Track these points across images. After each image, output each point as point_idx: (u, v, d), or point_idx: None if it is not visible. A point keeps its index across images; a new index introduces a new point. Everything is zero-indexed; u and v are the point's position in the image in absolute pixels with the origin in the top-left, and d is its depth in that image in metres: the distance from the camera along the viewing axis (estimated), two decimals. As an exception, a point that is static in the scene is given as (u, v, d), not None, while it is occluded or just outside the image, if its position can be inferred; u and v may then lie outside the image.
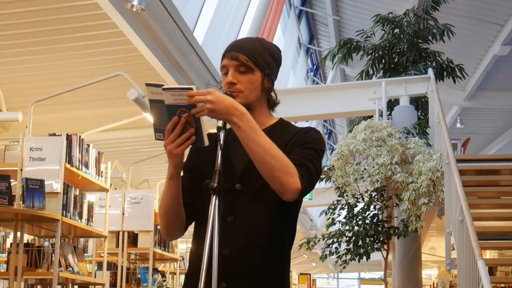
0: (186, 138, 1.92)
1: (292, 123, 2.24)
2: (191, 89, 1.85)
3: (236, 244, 2.01)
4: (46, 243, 5.75)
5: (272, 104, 2.17)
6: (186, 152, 2.05)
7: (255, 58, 2.08)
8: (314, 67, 22.27)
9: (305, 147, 2.06)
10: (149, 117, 6.92)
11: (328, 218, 8.13)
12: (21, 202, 5.18)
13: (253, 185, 2.04)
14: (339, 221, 7.98)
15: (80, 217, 5.86)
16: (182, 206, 2.07)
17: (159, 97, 1.89)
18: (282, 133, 2.13)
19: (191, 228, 2.19)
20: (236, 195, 2.04)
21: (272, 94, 2.16)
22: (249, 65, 2.08)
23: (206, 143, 1.92)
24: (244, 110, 1.90)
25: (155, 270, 8.25)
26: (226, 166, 1.93)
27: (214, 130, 2.04)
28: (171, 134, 1.92)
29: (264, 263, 2.03)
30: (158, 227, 8.16)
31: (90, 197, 6.44)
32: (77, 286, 6.65)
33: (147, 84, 1.90)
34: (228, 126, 1.96)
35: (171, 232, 2.14)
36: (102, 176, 6.31)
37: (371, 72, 10.87)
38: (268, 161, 1.90)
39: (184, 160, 2.05)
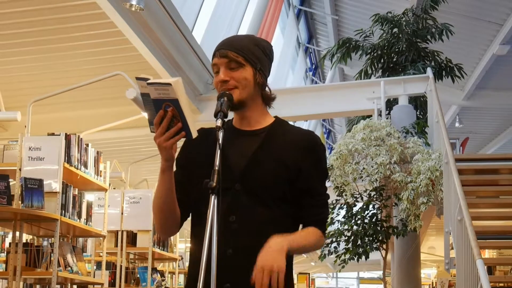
0: (174, 132, 1.93)
1: (291, 122, 2.24)
2: (170, 84, 1.86)
3: (240, 244, 2.00)
4: (45, 243, 5.74)
5: (266, 99, 2.16)
6: (179, 146, 2.06)
7: (245, 53, 2.08)
8: (313, 67, 22.28)
9: (320, 177, 2.15)
10: (148, 117, 6.90)
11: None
12: (20, 202, 5.18)
13: (253, 185, 2.04)
14: (338, 221, 7.98)
15: (79, 216, 5.86)
16: (176, 202, 2.07)
17: (147, 90, 1.91)
18: (282, 133, 2.14)
19: (190, 228, 2.18)
20: (236, 194, 2.03)
21: (267, 89, 2.15)
22: (239, 60, 2.07)
23: (194, 135, 1.94)
24: (284, 245, 1.95)
25: (154, 270, 8.25)
26: (224, 165, 1.92)
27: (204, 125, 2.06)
28: (159, 127, 1.93)
29: None
30: (154, 220, 8.14)
31: (89, 196, 6.44)
32: (76, 285, 6.65)
33: (137, 78, 1.93)
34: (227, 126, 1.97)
35: (166, 229, 2.14)
36: (101, 176, 6.30)
37: (370, 71, 10.88)
38: (311, 250, 2.13)
39: (176, 154, 2.05)
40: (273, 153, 2.09)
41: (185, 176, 2.12)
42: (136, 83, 1.94)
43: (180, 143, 2.05)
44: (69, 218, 5.59)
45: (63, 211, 5.49)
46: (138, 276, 8.10)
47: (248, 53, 2.08)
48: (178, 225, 2.14)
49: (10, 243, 5.69)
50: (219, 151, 1.89)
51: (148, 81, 1.89)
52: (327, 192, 2.19)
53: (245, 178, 2.05)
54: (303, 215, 2.12)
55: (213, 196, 1.82)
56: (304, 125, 20.29)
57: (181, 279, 11.84)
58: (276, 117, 2.20)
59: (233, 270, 1.97)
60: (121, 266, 7.56)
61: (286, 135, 2.13)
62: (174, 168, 2.09)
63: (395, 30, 10.73)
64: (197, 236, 2.08)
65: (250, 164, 2.06)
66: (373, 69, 10.87)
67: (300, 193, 2.09)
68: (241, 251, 2.00)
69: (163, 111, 1.91)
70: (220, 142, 1.90)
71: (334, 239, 7.82)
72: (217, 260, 1.80)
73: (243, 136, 2.13)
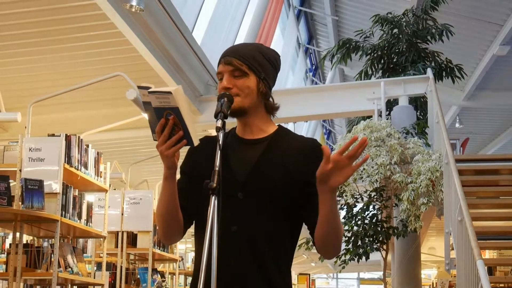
0: (176, 140, 1.94)
1: (291, 123, 2.24)
2: (170, 93, 1.87)
3: (241, 254, 2.00)
4: (45, 244, 5.74)
5: (270, 108, 2.15)
6: (183, 154, 2.06)
7: (249, 62, 2.08)
8: (313, 67, 22.29)
9: None
10: (148, 118, 6.90)
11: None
12: (20, 203, 5.17)
13: (256, 194, 2.04)
14: (338, 221, 7.96)
15: (79, 217, 5.86)
16: (179, 209, 2.07)
17: (148, 99, 1.93)
18: (285, 141, 2.13)
19: (190, 229, 2.18)
20: (239, 204, 2.03)
21: (270, 99, 2.15)
22: (243, 69, 2.07)
23: (196, 142, 1.95)
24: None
25: (154, 271, 8.25)
26: (227, 173, 1.92)
27: (205, 133, 2.06)
28: (161, 135, 1.94)
29: (270, 273, 2.02)
30: (157, 227, 8.14)
31: (89, 197, 6.44)
32: (76, 286, 6.64)
33: (139, 87, 1.95)
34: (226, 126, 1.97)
35: (169, 236, 2.14)
36: (101, 177, 6.30)
37: (370, 72, 10.87)
38: (337, 238, 2.02)
39: (180, 162, 2.05)
40: (276, 161, 2.08)
41: (189, 183, 2.11)
42: (138, 91, 1.95)
43: (183, 150, 2.05)
44: (70, 219, 5.59)
45: (64, 212, 5.48)
46: (139, 277, 8.09)
47: (253, 62, 2.08)
48: (181, 232, 2.13)
49: (10, 244, 5.69)
50: (219, 152, 1.88)
51: (149, 90, 1.90)
52: None
53: (247, 187, 2.04)
54: (312, 215, 2.03)
55: (213, 197, 1.82)
56: (304, 125, 20.30)
57: (181, 280, 11.84)
58: (279, 125, 2.19)
59: (236, 278, 1.97)
60: (121, 267, 7.56)
61: (289, 143, 2.12)
62: (179, 176, 2.09)
63: (395, 30, 10.73)
64: (199, 241, 2.08)
65: (252, 173, 2.05)
66: (373, 69, 10.87)
67: (304, 200, 2.06)
68: (241, 261, 2.00)
69: (164, 119, 1.92)
70: (220, 142, 1.89)
71: (334, 240, 7.80)
72: (220, 268, 1.79)
73: (246, 144, 2.12)
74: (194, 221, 2.16)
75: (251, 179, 2.05)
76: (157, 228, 2.15)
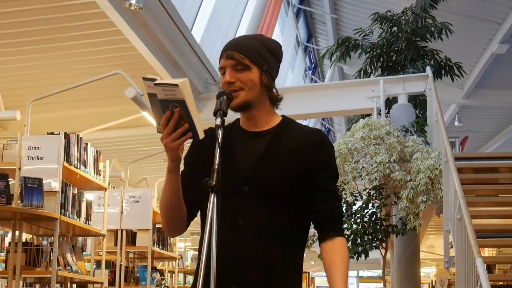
0: (181, 133, 1.93)
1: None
2: (177, 85, 1.86)
3: (247, 247, 2.00)
4: (45, 242, 5.75)
5: (274, 100, 2.15)
6: (187, 146, 2.06)
7: (251, 55, 2.06)
8: (312, 66, 22.27)
9: (330, 175, 2.13)
10: (147, 116, 6.91)
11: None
12: (19, 201, 5.17)
13: (262, 187, 2.03)
14: (338, 219, 7.96)
15: (79, 215, 5.85)
16: (183, 201, 2.07)
17: (153, 91, 1.92)
18: (290, 133, 2.13)
19: (190, 227, 2.18)
20: (244, 197, 2.03)
21: (274, 90, 2.14)
22: (245, 62, 2.06)
23: (201, 135, 1.95)
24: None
25: (154, 269, 8.25)
26: (232, 167, 1.92)
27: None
28: (166, 128, 1.93)
29: (276, 266, 2.02)
30: (157, 225, 8.16)
31: (88, 195, 6.44)
32: (75, 285, 6.65)
33: (144, 78, 1.93)
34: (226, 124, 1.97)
35: (173, 228, 2.13)
36: (100, 175, 6.30)
37: (369, 70, 10.88)
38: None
39: (184, 154, 2.05)
40: (281, 153, 2.08)
41: (192, 176, 2.11)
42: (143, 83, 1.94)
43: (187, 143, 2.05)
44: (69, 217, 5.59)
45: (63, 210, 5.48)
46: (138, 275, 8.10)
47: (255, 55, 2.07)
48: (185, 224, 2.14)
49: (9, 243, 5.69)
50: (218, 150, 1.88)
51: (155, 82, 1.89)
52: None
53: (252, 180, 2.04)
54: (317, 209, 2.07)
55: (212, 195, 1.82)
56: (304, 124, 20.27)
57: (181, 278, 11.85)
58: (283, 116, 2.19)
59: (240, 272, 1.97)
60: (120, 265, 7.57)
61: (293, 135, 2.12)
62: (182, 167, 2.08)
63: (395, 29, 10.73)
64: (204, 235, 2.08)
65: (257, 166, 2.05)
66: (373, 68, 10.87)
67: (309, 193, 2.07)
68: (247, 254, 2.00)
69: (170, 111, 1.91)
70: (219, 141, 1.89)
71: (333, 238, 7.80)
72: (224, 262, 1.80)
73: (250, 137, 2.12)
74: (198, 213, 2.15)
75: (256, 172, 2.04)
76: (161, 220, 2.15)
